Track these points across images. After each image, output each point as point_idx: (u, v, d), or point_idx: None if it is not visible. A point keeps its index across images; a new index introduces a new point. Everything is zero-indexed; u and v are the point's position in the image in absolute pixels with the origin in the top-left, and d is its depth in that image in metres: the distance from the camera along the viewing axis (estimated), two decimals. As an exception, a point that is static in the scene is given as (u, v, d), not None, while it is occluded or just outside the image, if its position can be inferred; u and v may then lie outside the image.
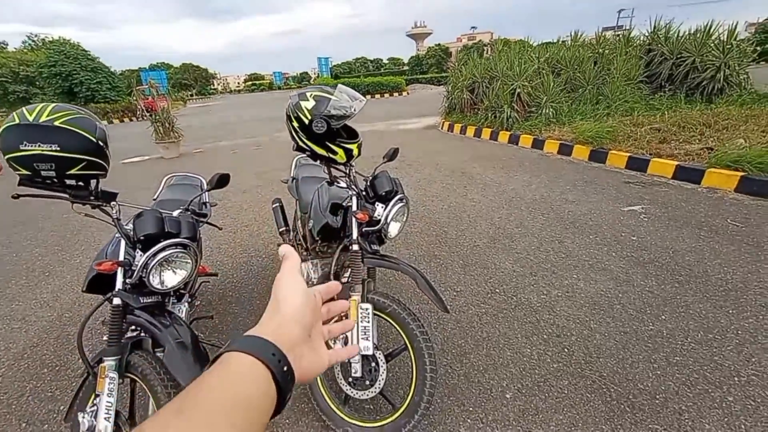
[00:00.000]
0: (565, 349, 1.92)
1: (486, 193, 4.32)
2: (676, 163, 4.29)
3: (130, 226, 1.38)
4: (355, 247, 1.51)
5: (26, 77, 27.07)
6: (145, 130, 8.36)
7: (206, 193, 1.76)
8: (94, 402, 1.26)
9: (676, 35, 7.70)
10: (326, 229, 1.63)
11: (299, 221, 2.17)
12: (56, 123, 1.11)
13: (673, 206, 3.54)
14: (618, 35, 9.16)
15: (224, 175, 1.67)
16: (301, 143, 1.43)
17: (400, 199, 1.56)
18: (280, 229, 2.40)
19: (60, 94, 25.57)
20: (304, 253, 2.09)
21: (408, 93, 25.59)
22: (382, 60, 71.86)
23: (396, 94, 24.67)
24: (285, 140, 9.42)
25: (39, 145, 1.08)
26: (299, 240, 2.22)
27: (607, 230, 3.15)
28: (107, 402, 1.22)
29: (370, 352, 1.44)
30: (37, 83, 26.58)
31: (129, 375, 1.32)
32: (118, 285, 1.30)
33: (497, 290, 2.48)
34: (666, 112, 6.33)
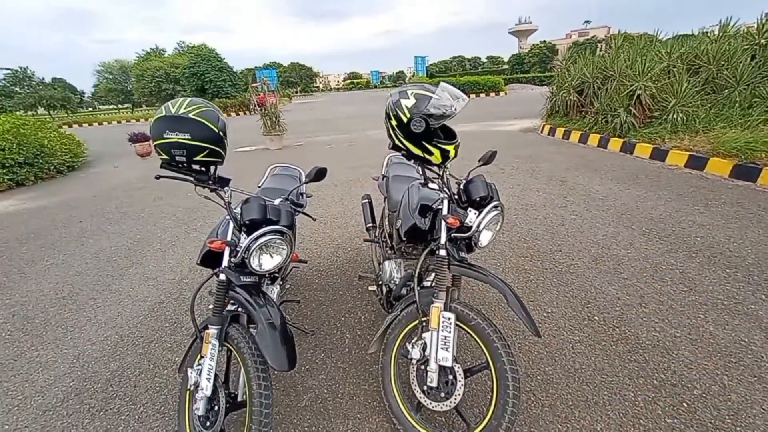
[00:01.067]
0: (684, 404, 1.59)
1: (589, 206, 3.85)
2: None
3: (239, 210, 1.53)
4: (442, 252, 1.45)
5: (174, 77, 32.72)
6: (255, 123, 9.40)
7: (304, 185, 1.87)
8: (200, 362, 1.44)
9: None
10: (414, 230, 1.61)
11: (386, 219, 2.18)
12: (190, 114, 1.29)
13: None
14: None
15: (321, 169, 1.75)
16: (397, 141, 1.42)
17: (495, 207, 1.45)
18: (368, 225, 2.45)
19: (195, 90, 30.34)
20: (389, 251, 2.10)
21: (506, 93, 24.33)
22: (480, 58, 69.53)
23: (493, 94, 23.65)
24: (377, 138, 9.75)
25: (177, 134, 1.27)
26: (385, 237, 2.23)
27: (753, 265, 2.54)
28: (209, 365, 1.39)
29: (448, 364, 1.37)
30: (181, 82, 31.90)
31: (227, 344, 1.47)
32: (224, 263, 1.45)
33: (596, 318, 2.18)
34: None
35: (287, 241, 1.50)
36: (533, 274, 2.70)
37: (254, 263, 1.45)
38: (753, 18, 7.18)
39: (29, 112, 40.67)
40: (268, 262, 1.48)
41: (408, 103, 1.32)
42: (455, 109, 1.30)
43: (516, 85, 30.36)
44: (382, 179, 2.45)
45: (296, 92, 58.66)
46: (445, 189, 1.49)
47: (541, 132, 8.57)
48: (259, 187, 2.42)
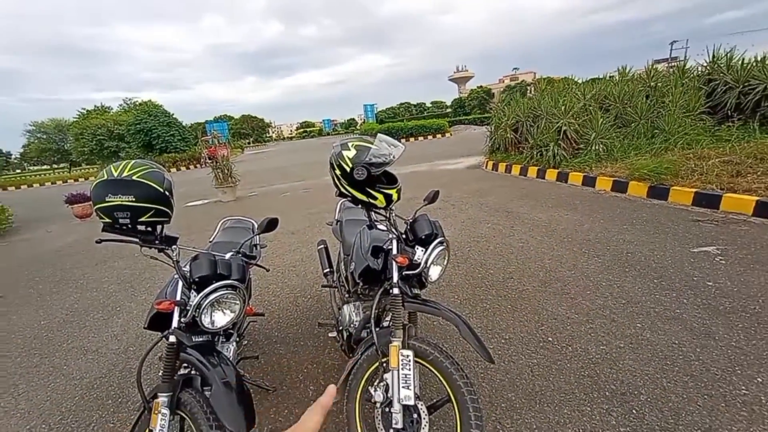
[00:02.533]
0: (634, 410, 1.70)
1: (534, 233, 4.15)
2: (756, 198, 3.86)
3: (188, 267, 1.50)
4: (396, 290, 1.51)
5: (118, 134, 31.48)
6: (206, 176, 9.23)
7: (257, 236, 1.88)
8: (148, 437, 1.32)
9: (741, 62, 7.21)
10: (367, 272, 1.65)
11: (342, 263, 2.22)
12: (134, 177, 1.28)
13: (757, 247, 3.14)
14: (672, 67, 8.79)
15: (273, 219, 1.78)
16: (343, 189, 1.50)
17: (440, 243, 1.55)
18: (325, 270, 2.46)
19: (141, 146, 29.30)
20: (347, 295, 2.11)
21: (451, 134, 26.04)
22: (425, 104, 74.46)
23: (439, 135, 25.20)
24: (332, 184, 9.83)
25: (119, 197, 1.25)
26: (342, 281, 2.25)
27: (674, 274, 2.85)
28: None
29: (411, 402, 1.38)
30: (125, 139, 30.74)
31: (179, 412, 1.37)
32: (174, 323, 1.40)
33: (550, 338, 2.30)
34: (736, 144, 5.81)
35: (240, 296, 1.48)
36: (488, 303, 2.81)
37: (206, 321, 1.41)
38: (642, 64, 8.60)
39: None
40: (220, 318, 1.44)
41: (349, 154, 1.43)
42: (393, 157, 1.42)
43: (460, 126, 32.76)
44: (336, 224, 2.51)
45: (249, 143, 58.60)
46: (393, 230, 1.58)
47: (486, 168, 9.21)
48: (210, 241, 2.37)
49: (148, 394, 1.39)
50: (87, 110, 38.10)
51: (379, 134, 1.48)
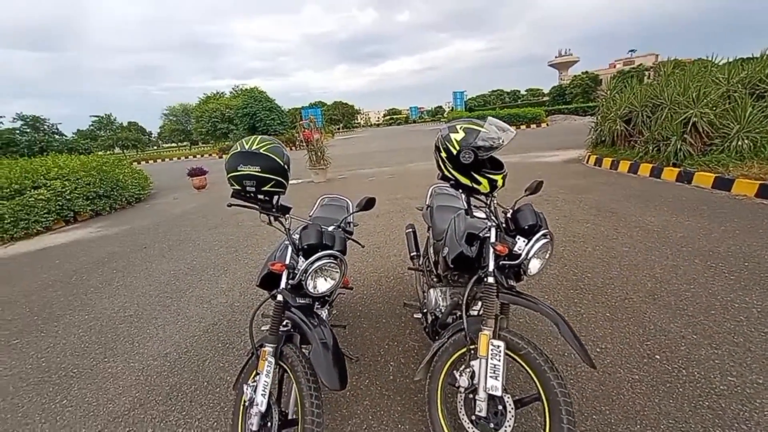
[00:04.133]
0: (770, 458, 1.42)
1: (644, 238, 3.64)
2: None
3: (297, 235, 1.66)
4: (491, 279, 1.47)
5: (228, 117, 35.83)
6: (301, 158, 9.99)
7: (353, 214, 1.98)
8: (255, 378, 1.52)
9: None
10: (461, 258, 1.63)
11: (431, 248, 2.23)
12: (261, 150, 1.46)
13: None
14: None
15: (371, 199, 1.86)
16: (446, 172, 1.50)
17: (545, 235, 1.45)
18: (412, 254, 2.51)
19: (247, 128, 32.91)
20: (434, 280, 2.12)
21: (548, 124, 24.03)
22: (519, 91, 69.59)
23: (534, 125, 23.45)
24: (416, 170, 9.96)
25: (249, 167, 1.43)
26: (429, 266, 2.27)
27: None
28: (264, 381, 1.46)
29: (498, 393, 1.35)
30: (234, 121, 34.82)
31: (281, 363, 1.55)
32: (282, 284, 1.56)
33: (658, 356, 2.03)
34: None
35: (340, 266, 1.59)
36: (583, 307, 2.57)
37: (310, 286, 1.55)
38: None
39: (107, 152, 46.10)
40: (322, 284, 1.58)
41: (457, 136, 1.41)
42: (503, 141, 1.36)
43: (558, 116, 29.88)
44: (426, 209, 2.53)
45: (339, 129, 61.68)
46: (493, 217, 1.53)
47: (587, 162, 8.31)
48: (310, 216, 2.58)
49: (257, 343, 1.60)
50: (206, 95, 43.90)
51: (489, 117, 1.43)
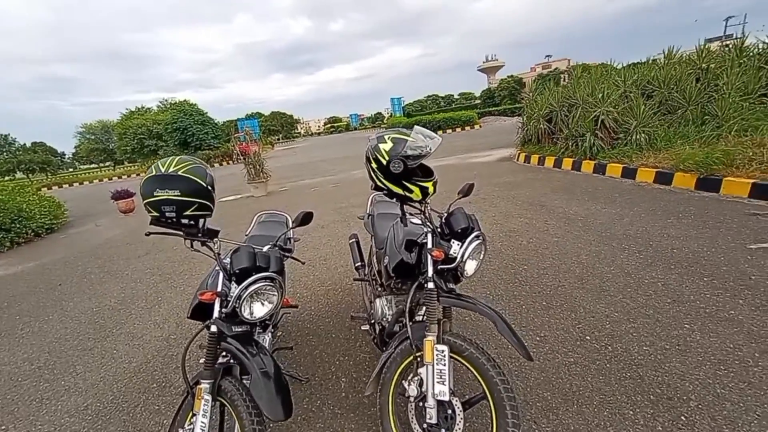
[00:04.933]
0: (682, 417, 1.60)
1: (570, 228, 3.99)
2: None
3: (228, 259, 1.55)
4: (431, 285, 1.49)
5: (156, 133, 33.20)
6: (239, 172, 9.54)
7: (291, 230, 1.92)
8: (191, 420, 1.39)
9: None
10: (401, 266, 1.65)
11: (374, 257, 2.22)
12: (180, 172, 1.34)
13: (822, 244, 2.86)
14: (726, 46, 8.07)
15: (308, 213, 1.81)
16: (379, 183, 1.50)
17: (477, 236, 1.51)
18: (356, 264, 2.48)
19: (177, 144, 30.74)
20: (379, 289, 2.12)
21: (480, 126, 25.47)
22: (453, 96, 73.09)
23: (468, 127, 24.72)
24: (360, 178, 9.97)
25: (166, 191, 1.31)
26: (374, 275, 2.26)
27: (728, 272, 2.65)
28: (202, 422, 1.34)
29: (446, 398, 1.36)
30: (163, 137, 32.34)
31: (220, 399, 1.43)
32: (215, 314, 1.45)
33: (588, 337, 2.21)
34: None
35: (278, 287, 1.52)
36: (522, 299, 2.73)
37: (245, 312, 1.45)
38: (690, 46, 7.96)
39: (7, 177, 40.19)
40: (259, 309, 1.49)
41: (386, 147, 1.41)
42: (430, 149, 1.40)
43: (489, 118, 31.92)
44: (368, 218, 2.52)
45: (278, 139, 59.97)
46: (428, 223, 1.56)
47: (517, 160, 8.94)
48: (246, 235, 2.45)
49: (191, 380, 1.46)
50: (129, 111, 40.32)
51: (416, 126, 1.46)
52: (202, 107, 32.80)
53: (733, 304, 2.29)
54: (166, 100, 41.43)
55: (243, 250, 1.54)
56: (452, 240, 1.54)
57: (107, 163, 52.68)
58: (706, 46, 7.72)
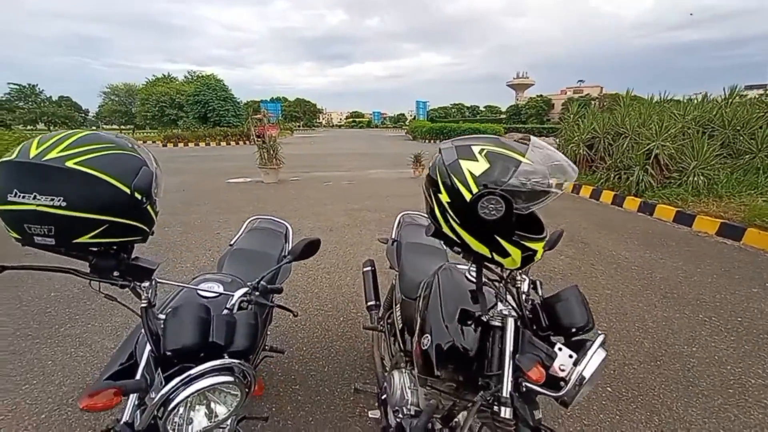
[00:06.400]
0: None
1: (624, 278, 3.31)
2: None
3: (164, 323, 0.90)
4: (506, 411, 0.85)
5: (178, 103, 32.93)
6: (253, 154, 8.96)
7: (286, 263, 1.27)
8: None
9: None
10: (452, 353, 1.01)
11: (398, 305, 1.59)
12: (68, 163, 0.68)
13: None
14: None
15: (312, 242, 1.20)
16: (446, 227, 0.86)
17: (602, 343, 0.87)
18: (369, 303, 1.85)
19: (197, 117, 30.41)
20: (399, 353, 1.49)
21: (505, 141, 24.66)
22: (478, 107, 72.02)
23: (493, 142, 23.92)
24: (377, 178, 9.33)
25: (35, 197, 0.66)
26: (393, 329, 1.63)
27: None
28: None
29: None
30: (184, 108, 32.06)
31: None
32: (126, 415, 0.82)
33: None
34: None
35: (240, 383, 0.88)
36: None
37: (177, 426, 0.82)
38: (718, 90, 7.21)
39: (28, 127, 40.49)
40: (201, 419, 0.85)
41: (474, 167, 0.78)
42: (552, 186, 0.76)
43: (515, 135, 30.85)
44: (393, 244, 1.89)
45: (299, 126, 59.63)
46: (512, 304, 0.92)
47: (549, 184, 8.22)
48: (230, 245, 1.84)
49: None
50: (155, 77, 40.26)
51: (533, 139, 0.83)
52: (229, 84, 32.46)
53: None
54: (194, 72, 41.10)
55: (186, 311, 0.90)
56: (557, 345, 0.88)
57: (128, 126, 52.85)
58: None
